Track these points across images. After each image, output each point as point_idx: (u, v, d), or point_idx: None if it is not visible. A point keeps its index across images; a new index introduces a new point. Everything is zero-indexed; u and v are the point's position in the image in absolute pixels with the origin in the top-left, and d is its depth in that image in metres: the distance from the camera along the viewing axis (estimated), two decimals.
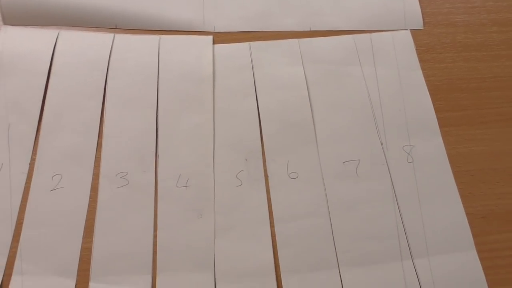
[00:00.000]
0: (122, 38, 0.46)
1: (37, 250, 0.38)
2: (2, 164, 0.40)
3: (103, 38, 0.46)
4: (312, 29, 0.47)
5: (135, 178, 0.40)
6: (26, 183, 0.40)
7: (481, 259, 0.39)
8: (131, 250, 0.38)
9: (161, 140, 0.42)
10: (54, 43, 0.45)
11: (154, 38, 0.46)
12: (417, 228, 0.40)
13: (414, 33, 0.48)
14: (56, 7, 0.46)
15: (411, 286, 0.38)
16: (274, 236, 0.39)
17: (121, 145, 0.42)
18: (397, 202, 0.41)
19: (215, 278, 0.37)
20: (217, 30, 0.47)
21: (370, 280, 0.38)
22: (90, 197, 0.39)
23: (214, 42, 0.46)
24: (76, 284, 0.37)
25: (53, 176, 0.40)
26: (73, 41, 0.46)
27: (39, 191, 0.39)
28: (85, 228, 0.38)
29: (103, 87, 0.44)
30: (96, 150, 0.41)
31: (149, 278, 0.37)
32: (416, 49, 0.47)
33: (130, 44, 0.46)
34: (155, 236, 0.39)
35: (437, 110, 0.44)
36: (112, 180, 0.40)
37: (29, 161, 0.41)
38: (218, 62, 0.45)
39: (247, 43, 0.46)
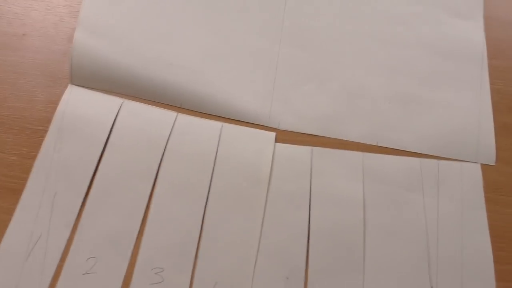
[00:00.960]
0: (185, 119, 0.44)
1: None
2: (41, 235, 0.39)
3: (166, 116, 0.44)
4: (379, 144, 0.45)
5: (171, 277, 0.38)
6: (60, 260, 0.38)
7: None
8: None
9: (204, 238, 0.40)
10: (117, 112, 0.44)
11: (216, 124, 0.44)
12: None
13: (484, 168, 0.45)
14: (124, 75, 0.45)
15: None
16: None
17: (163, 236, 0.40)
18: None
19: None
20: (281, 127, 0.45)
21: None
22: None
23: (276, 140, 0.44)
24: None
25: (88, 259, 0.39)
26: (136, 113, 0.44)
27: (71, 273, 0.38)
28: None
29: (157, 169, 0.42)
30: (137, 238, 0.40)
31: None
32: (484, 187, 0.44)
33: (191, 127, 0.44)
34: None
35: (496, 261, 0.41)
36: (147, 275, 0.38)
37: (67, 237, 0.39)
38: (277, 162, 0.43)
39: (309, 148, 0.44)
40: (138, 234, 0.40)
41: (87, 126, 0.43)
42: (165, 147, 0.43)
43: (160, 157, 0.43)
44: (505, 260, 0.42)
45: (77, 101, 0.44)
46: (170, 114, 0.45)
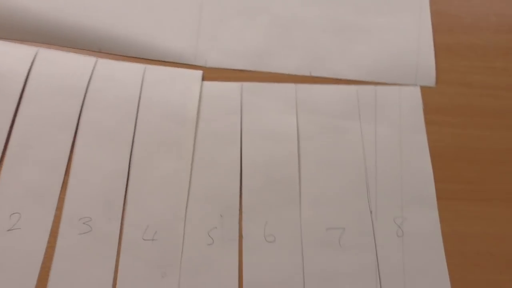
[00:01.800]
0: (105, 64, 0.42)
1: None
2: None
3: (85, 62, 0.42)
4: (312, 74, 0.43)
5: (99, 225, 0.37)
6: None
7: None
8: None
9: (132, 184, 0.39)
10: (31, 61, 0.42)
11: (139, 67, 0.42)
12: None
13: (424, 90, 0.43)
14: (36, 22, 0.42)
15: None
16: None
17: (88, 186, 0.38)
18: (380, 280, 0.37)
19: None
20: (208, 65, 0.43)
21: None
22: (48, 242, 0.37)
23: (203, 79, 0.42)
24: None
25: (11, 215, 0.37)
26: (52, 61, 0.42)
27: None
28: (39, 276, 0.36)
29: (77, 119, 0.40)
30: (61, 190, 0.38)
31: None
32: (424, 109, 0.43)
33: (112, 72, 0.42)
34: None
35: (437, 180, 0.40)
36: (74, 225, 0.37)
37: None
38: (205, 101, 0.42)
39: (239, 84, 0.42)
40: (62, 186, 0.38)
41: (0, 78, 0.41)
42: (85, 95, 0.41)
43: (80, 106, 0.41)
44: (445, 178, 0.41)
45: None
46: (89, 60, 0.42)
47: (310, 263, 0.37)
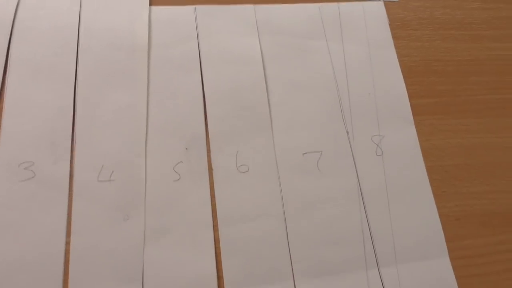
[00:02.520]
0: None
1: None
2: None
3: None
4: None
5: (44, 169, 0.32)
6: None
7: (454, 268, 0.34)
8: (36, 259, 0.30)
9: (79, 122, 0.34)
10: None
11: None
12: (384, 232, 0.34)
13: (388, 5, 0.41)
14: None
15: None
16: (218, 242, 0.32)
17: (26, 127, 0.33)
18: (363, 202, 0.35)
19: None
20: None
21: None
22: None
23: (151, 4, 0.38)
24: None
25: None
26: None
27: None
28: None
29: (5, 53, 0.35)
30: None
31: None
32: (389, 24, 0.40)
33: None
34: (67, 243, 0.31)
35: (410, 96, 0.39)
36: (14, 172, 0.32)
37: None
38: (156, 28, 0.37)
39: (192, 7, 0.38)
40: None
41: None
42: (13, 27, 0.35)
43: (7, 40, 0.35)
44: (419, 93, 0.39)
45: None
46: None
47: (288, 190, 0.34)
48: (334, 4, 0.40)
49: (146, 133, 0.34)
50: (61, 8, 0.36)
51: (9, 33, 0.35)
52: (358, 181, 0.35)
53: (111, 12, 0.37)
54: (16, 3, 0.36)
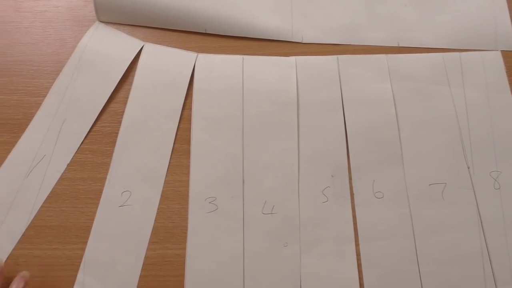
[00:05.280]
0: (205, 58, 0.46)
1: (100, 264, 0.39)
2: (45, 155, 0.42)
3: (187, 56, 0.46)
4: (400, 45, 0.46)
5: (224, 203, 0.41)
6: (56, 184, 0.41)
7: None
8: (222, 275, 0.39)
9: (246, 165, 0.42)
10: (135, 53, 0.46)
11: (237, 58, 0.46)
12: (502, 256, 0.40)
13: (505, 54, 0.46)
14: (148, 6, 0.46)
15: None
16: (359, 254, 0.40)
17: (209, 169, 0.42)
18: (482, 228, 0.40)
19: None
20: (305, 41, 0.46)
21: None
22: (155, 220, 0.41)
23: (302, 54, 0.46)
24: None
25: (122, 193, 0.41)
26: (157, 55, 0.46)
27: (108, 206, 0.41)
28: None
29: (181, 108, 0.44)
30: (167, 171, 0.42)
31: None
32: (506, 71, 0.46)
33: (213, 64, 0.46)
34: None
35: None
36: (202, 205, 0.41)
37: (68, 162, 0.42)
38: (305, 74, 0.45)
39: (335, 56, 0.46)
40: (168, 168, 0.42)
41: (105, 61, 0.45)
42: (192, 87, 0.45)
43: (183, 97, 0.44)
44: None
45: (100, 38, 0.46)
46: (191, 55, 0.46)
47: (417, 215, 0.41)
48: (456, 53, 0.46)
49: (298, 173, 0.42)
50: (228, 72, 0.45)
51: (185, 91, 0.44)
52: (478, 210, 0.41)
53: (266, 72, 0.45)
54: (192, 68, 0.45)
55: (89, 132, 0.43)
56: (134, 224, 0.40)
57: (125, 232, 0.40)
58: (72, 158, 0.42)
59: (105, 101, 0.44)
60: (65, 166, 0.42)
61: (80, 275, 0.39)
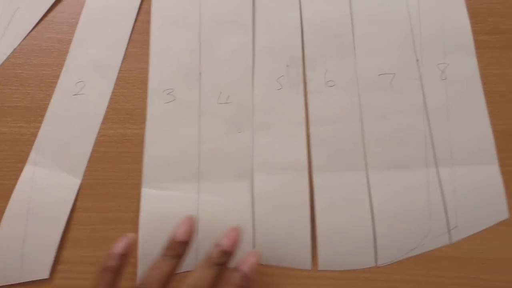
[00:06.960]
0: None
1: (52, 146, 0.43)
2: None
3: None
4: None
5: (181, 95, 0.44)
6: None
7: (503, 173, 0.41)
8: (178, 160, 0.42)
9: (204, 59, 0.44)
10: None
11: None
12: (443, 139, 0.42)
13: None
14: None
15: (433, 192, 0.41)
16: (309, 137, 0.42)
17: (167, 63, 0.44)
18: (427, 115, 0.43)
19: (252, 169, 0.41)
20: None
21: (395, 183, 0.41)
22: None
23: None
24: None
25: (77, 83, 0.44)
26: None
27: (62, 94, 0.44)
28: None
29: (138, 8, 0.46)
30: (121, 64, 0.45)
31: (195, 186, 0.41)
32: None
33: None
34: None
35: (474, 32, 0.45)
36: (160, 96, 0.43)
37: (15, 47, 0.45)
38: None
39: None
40: (122, 62, 0.45)
41: None
42: None
43: None
44: (482, 30, 0.45)
45: None
46: None
47: (366, 102, 0.43)
48: None
49: (253, 65, 0.44)
50: None
51: None
52: (424, 99, 0.43)
53: None
54: None
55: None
56: (87, 112, 0.43)
57: (78, 118, 0.43)
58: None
59: None
60: (11, 50, 0.44)
61: (32, 155, 0.42)
